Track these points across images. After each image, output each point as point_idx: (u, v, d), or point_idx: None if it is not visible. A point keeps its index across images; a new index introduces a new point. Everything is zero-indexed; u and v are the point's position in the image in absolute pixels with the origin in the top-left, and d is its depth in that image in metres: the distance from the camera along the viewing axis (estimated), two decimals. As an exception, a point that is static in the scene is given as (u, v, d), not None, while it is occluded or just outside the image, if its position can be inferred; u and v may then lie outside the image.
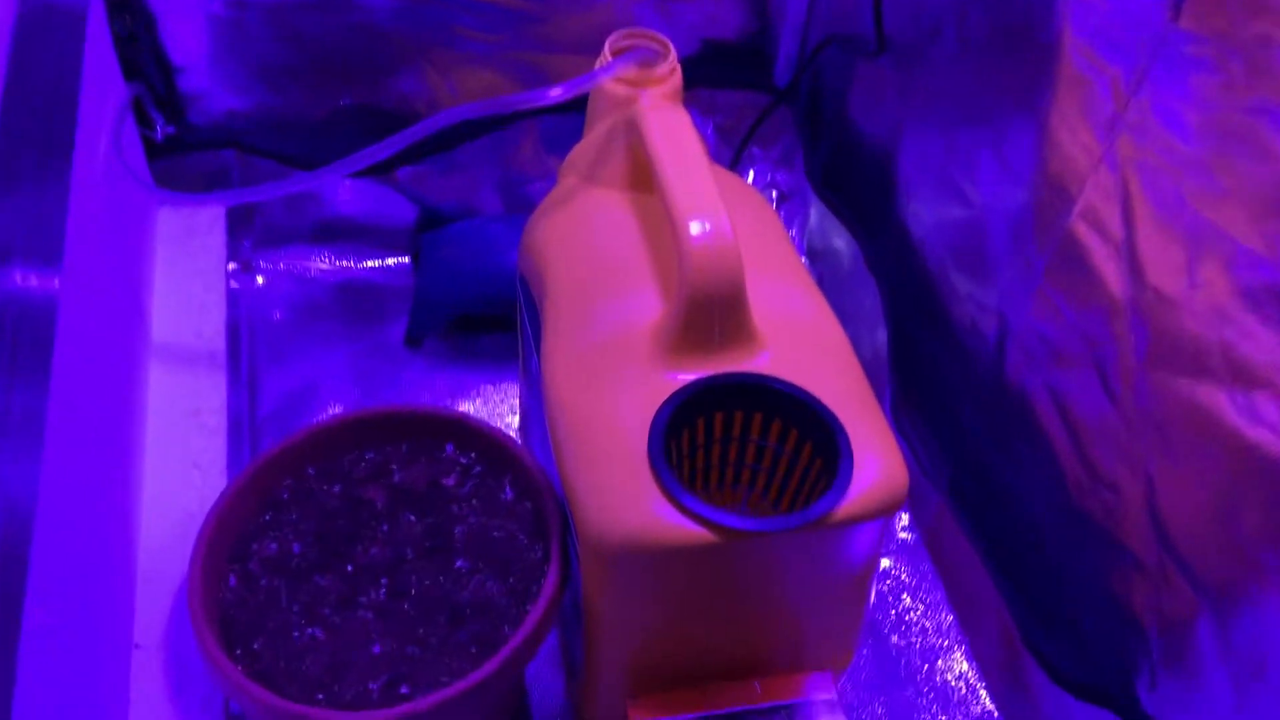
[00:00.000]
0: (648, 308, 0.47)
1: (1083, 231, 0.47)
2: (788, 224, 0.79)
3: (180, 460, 0.55)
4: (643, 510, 0.41)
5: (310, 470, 0.52)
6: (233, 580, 0.47)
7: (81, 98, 0.52)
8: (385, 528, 0.50)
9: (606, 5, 0.69)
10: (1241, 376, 0.40)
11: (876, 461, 0.43)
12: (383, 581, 0.48)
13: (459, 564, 0.49)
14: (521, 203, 0.78)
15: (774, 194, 0.81)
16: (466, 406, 0.69)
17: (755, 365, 0.45)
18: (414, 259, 0.77)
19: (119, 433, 0.53)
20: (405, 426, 0.53)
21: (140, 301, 0.61)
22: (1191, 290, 0.42)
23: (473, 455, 0.53)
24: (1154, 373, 0.44)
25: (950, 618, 0.60)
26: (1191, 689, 0.44)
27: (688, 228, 0.44)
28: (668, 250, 0.48)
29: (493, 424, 0.52)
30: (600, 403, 0.45)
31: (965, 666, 0.58)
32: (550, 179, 0.77)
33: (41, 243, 0.43)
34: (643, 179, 0.51)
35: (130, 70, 0.65)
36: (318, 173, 0.52)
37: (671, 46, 0.50)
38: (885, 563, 0.62)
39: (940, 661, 0.58)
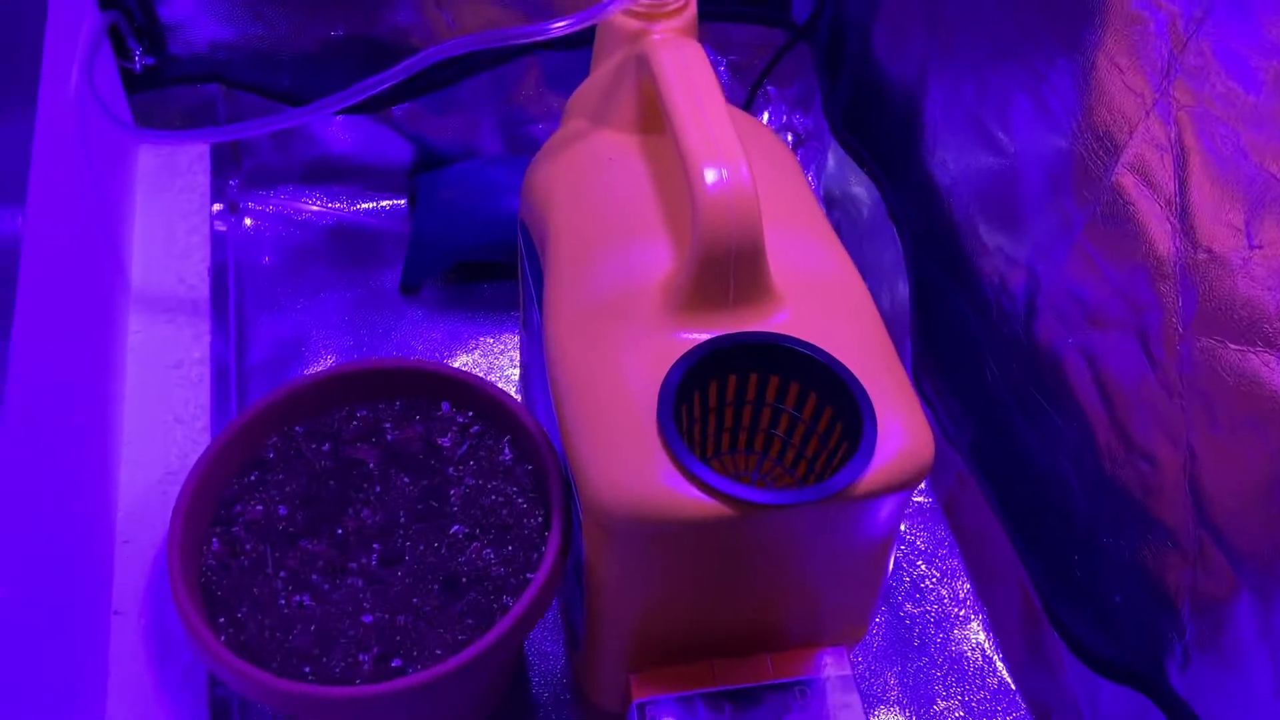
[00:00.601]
0: (658, 260, 0.44)
1: (1129, 184, 0.43)
2: (804, 169, 0.76)
3: (161, 414, 0.53)
4: (651, 480, 0.39)
5: (298, 428, 0.49)
6: (215, 545, 0.45)
7: (49, 24, 0.48)
8: (377, 490, 0.47)
9: (615, -68, 0.65)
10: (1301, 345, 0.37)
11: (901, 429, 0.40)
12: (374, 547, 0.46)
13: (455, 529, 0.46)
14: (523, 143, 0.74)
15: (790, 137, 0.77)
16: (464, 359, 0.67)
17: (773, 324, 0.42)
18: (410, 201, 0.74)
19: (95, 385, 0.50)
20: (399, 382, 0.50)
21: (118, 245, 0.58)
22: (1249, 251, 0.38)
23: (470, 414, 0.50)
24: (1201, 338, 0.41)
25: (967, 586, 0.58)
26: (1227, 670, 0.42)
27: (703, 174, 0.40)
28: (680, 198, 0.45)
29: (491, 381, 0.50)
30: (605, 362, 0.42)
31: (982, 637, 0.56)
32: (554, 119, 0.73)
33: (1, 179, 0.40)
34: (653, 120, 0.48)
35: (105, -5, 0.61)
36: (308, 108, 0.49)
37: (686, -24, 0.46)
38: (900, 527, 0.60)
39: (956, 631, 0.56)
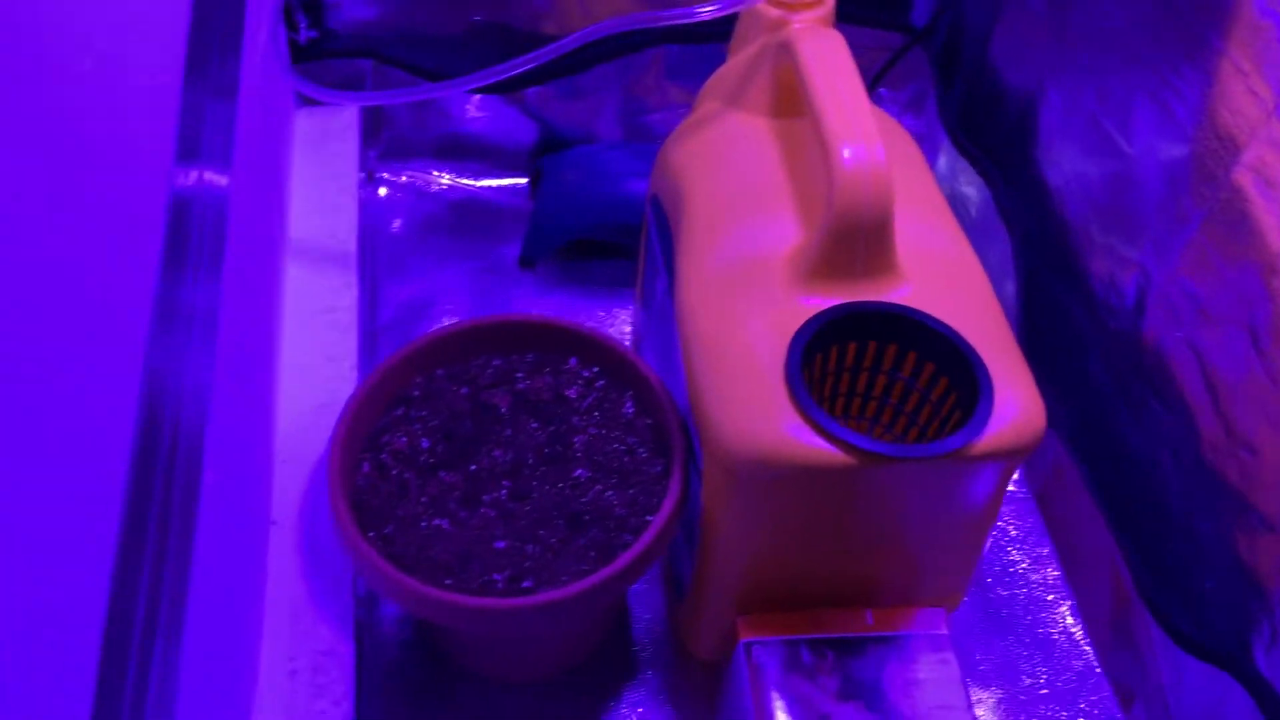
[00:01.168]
0: (786, 233, 0.47)
1: (1247, 183, 0.45)
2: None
3: (315, 353, 0.57)
4: (777, 427, 0.42)
5: (440, 371, 0.53)
6: (366, 467, 0.49)
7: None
8: (508, 433, 0.51)
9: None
10: None
11: (1015, 399, 0.43)
12: (504, 484, 0.49)
13: (578, 473, 0.50)
14: (640, 131, 0.77)
15: (898, 139, 0.79)
16: (578, 329, 0.70)
17: (895, 297, 0.45)
18: (532, 181, 0.78)
19: (263, 326, 0.54)
20: (532, 337, 0.54)
21: (280, 201, 0.63)
22: (1365, 248, 0.40)
23: (595, 370, 0.53)
24: (1311, 333, 0.43)
25: (1056, 573, 0.59)
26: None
27: (840, 151, 0.43)
28: (809, 177, 0.48)
29: (619, 339, 0.53)
30: (735, 322, 0.45)
31: (1070, 620, 0.57)
32: (672, 110, 0.77)
33: (217, 142, 0.44)
34: (787, 105, 0.51)
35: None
36: (454, 82, 0.53)
37: (829, -30, 0.49)
38: (1001, 502, 0.61)
39: (1044, 614, 0.58)
